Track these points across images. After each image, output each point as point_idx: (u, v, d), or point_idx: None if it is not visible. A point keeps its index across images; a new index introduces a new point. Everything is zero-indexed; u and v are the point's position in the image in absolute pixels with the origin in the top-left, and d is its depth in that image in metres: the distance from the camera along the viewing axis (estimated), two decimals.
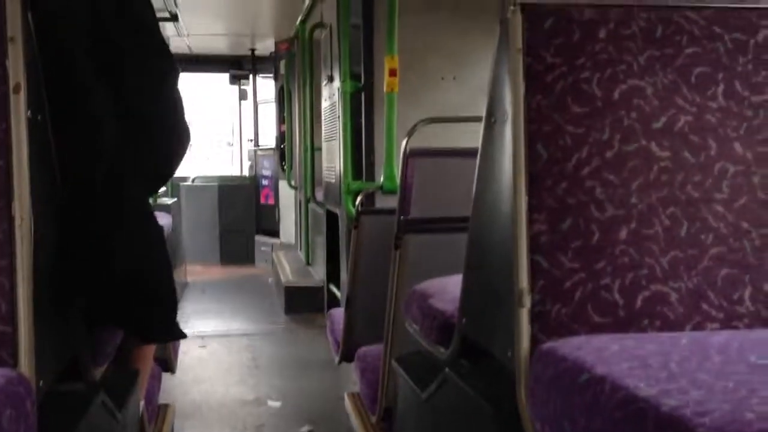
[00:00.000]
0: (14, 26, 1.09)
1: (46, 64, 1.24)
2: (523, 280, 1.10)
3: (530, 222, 1.11)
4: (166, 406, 2.58)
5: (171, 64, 1.74)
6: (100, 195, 1.50)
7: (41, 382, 1.11)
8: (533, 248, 1.11)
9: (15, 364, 1.05)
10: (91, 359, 1.49)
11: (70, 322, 1.40)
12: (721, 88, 1.17)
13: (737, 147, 1.17)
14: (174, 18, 5.95)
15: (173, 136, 1.73)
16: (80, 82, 1.46)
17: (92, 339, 1.56)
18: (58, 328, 1.31)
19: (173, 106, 1.72)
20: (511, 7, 1.14)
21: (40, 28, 1.23)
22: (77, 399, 1.33)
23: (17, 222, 1.06)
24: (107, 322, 1.65)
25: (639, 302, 1.11)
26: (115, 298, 1.62)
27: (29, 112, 1.10)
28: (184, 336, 1.82)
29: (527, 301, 1.10)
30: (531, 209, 1.12)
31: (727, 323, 1.12)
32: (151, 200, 5.26)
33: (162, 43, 1.73)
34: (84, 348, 1.45)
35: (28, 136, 1.06)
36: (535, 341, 1.08)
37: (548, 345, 1.05)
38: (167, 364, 2.80)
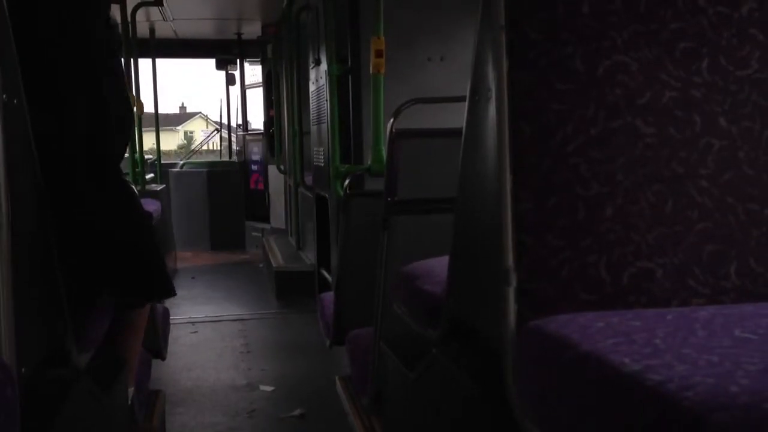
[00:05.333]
0: None
1: (20, 48, 1.22)
2: (509, 259, 1.09)
3: (515, 200, 1.10)
4: (156, 392, 2.57)
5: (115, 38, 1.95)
6: (80, 172, 1.57)
7: (23, 369, 1.09)
8: (519, 226, 1.10)
9: None
10: (76, 345, 1.48)
11: (54, 308, 1.38)
12: (705, 62, 1.16)
13: (722, 122, 1.16)
14: (159, 2, 5.89)
15: (127, 102, 1.94)
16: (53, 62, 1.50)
17: (77, 325, 1.55)
18: (40, 314, 1.30)
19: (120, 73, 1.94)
20: None
21: (14, 12, 1.21)
22: (61, 385, 1.31)
23: None
24: (97, 288, 1.72)
25: (625, 279, 1.10)
26: (101, 264, 1.72)
27: (4, 96, 1.08)
28: (173, 294, 1.95)
29: (513, 279, 1.09)
30: (516, 187, 1.10)
31: (714, 299, 1.12)
32: (139, 187, 5.25)
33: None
34: (68, 334, 1.44)
35: (2, 120, 1.04)
36: (521, 319, 1.08)
37: (534, 323, 1.04)
38: (157, 350, 2.79)
